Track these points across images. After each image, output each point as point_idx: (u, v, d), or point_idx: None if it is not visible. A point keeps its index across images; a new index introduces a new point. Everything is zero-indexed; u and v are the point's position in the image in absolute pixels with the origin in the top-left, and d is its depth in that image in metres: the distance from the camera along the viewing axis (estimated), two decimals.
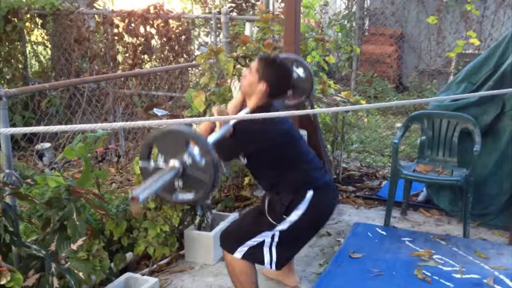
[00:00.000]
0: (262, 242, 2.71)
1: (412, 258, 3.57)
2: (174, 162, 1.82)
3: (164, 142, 1.86)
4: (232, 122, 2.53)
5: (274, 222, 2.67)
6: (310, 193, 2.66)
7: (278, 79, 2.66)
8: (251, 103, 2.69)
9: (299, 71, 3.07)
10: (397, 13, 7.63)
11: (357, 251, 3.67)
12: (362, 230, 4.02)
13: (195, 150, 1.82)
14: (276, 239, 2.70)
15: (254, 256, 2.74)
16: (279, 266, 2.78)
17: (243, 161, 2.74)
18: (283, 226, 2.67)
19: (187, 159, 1.81)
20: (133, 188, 1.73)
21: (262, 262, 2.76)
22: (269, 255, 2.73)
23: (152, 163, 1.88)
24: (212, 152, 1.81)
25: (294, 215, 2.65)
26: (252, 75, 2.65)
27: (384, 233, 3.97)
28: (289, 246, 2.77)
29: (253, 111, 2.66)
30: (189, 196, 1.88)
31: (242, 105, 2.82)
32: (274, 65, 2.68)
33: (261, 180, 2.87)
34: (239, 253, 2.73)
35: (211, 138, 2.34)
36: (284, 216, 2.66)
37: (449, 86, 4.44)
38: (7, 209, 2.47)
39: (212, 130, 2.57)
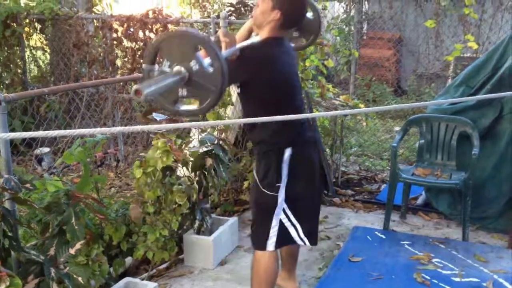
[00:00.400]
0: (282, 224, 2.70)
1: (411, 261, 3.57)
2: (180, 68, 1.73)
3: (171, 46, 1.75)
4: (239, 45, 2.46)
5: (272, 193, 2.65)
6: (288, 152, 2.63)
7: (292, 7, 2.54)
8: (263, 33, 2.59)
9: (308, 13, 2.93)
10: (395, 17, 7.64)
11: (356, 255, 3.67)
12: (362, 233, 4.02)
13: (203, 56, 1.73)
14: (288, 212, 2.69)
15: (284, 240, 2.72)
16: (310, 237, 2.79)
17: (237, 89, 2.65)
18: (282, 193, 2.65)
19: (194, 65, 1.72)
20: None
21: (293, 241, 2.75)
22: (294, 230, 2.72)
23: (156, 67, 1.79)
24: (222, 59, 1.72)
25: (284, 178, 2.64)
26: (264, 2, 2.55)
27: (383, 236, 3.97)
28: (300, 207, 2.74)
29: (266, 39, 2.57)
30: (192, 107, 1.80)
31: (249, 35, 2.74)
32: None
33: (246, 117, 2.75)
34: (271, 246, 2.71)
35: None
36: (277, 185, 2.64)
37: (448, 89, 4.46)
38: (6, 214, 2.47)
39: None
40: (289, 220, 2.71)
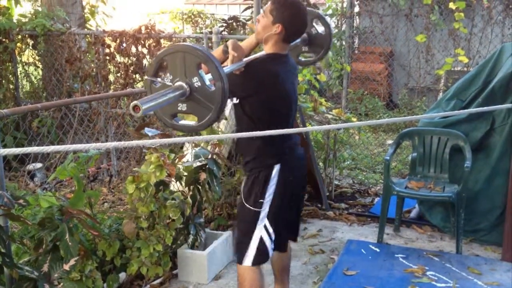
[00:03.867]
0: (262, 241, 2.68)
1: (406, 274, 3.57)
2: (182, 83, 1.74)
3: (176, 60, 1.76)
4: (245, 60, 2.46)
5: (255, 209, 2.65)
6: (276, 169, 2.63)
7: (293, 20, 2.55)
8: (267, 48, 2.61)
9: (319, 27, 2.98)
10: (386, 32, 7.71)
11: (351, 268, 3.66)
12: (356, 247, 4.02)
13: (205, 70, 1.73)
14: (269, 228, 2.68)
15: (261, 258, 2.71)
16: (281, 247, 2.83)
17: (235, 100, 2.62)
18: (265, 208, 2.65)
19: (196, 81, 1.73)
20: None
21: (268, 255, 2.73)
22: (270, 242, 2.71)
23: (159, 80, 1.79)
24: (224, 78, 1.72)
25: (269, 195, 2.63)
26: (266, 17, 2.56)
27: (377, 250, 3.97)
28: (279, 223, 2.73)
29: (270, 55, 2.59)
30: (191, 123, 1.80)
31: (254, 47, 2.75)
32: (289, 4, 2.56)
33: (240, 131, 2.75)
34: (248, 258, 2.69)
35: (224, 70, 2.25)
36: (261, 200, 2.64)
37: (439, 103, 4.49)
38: None
39: (222, 63, 2.42)
40: (269, 237, 2.69)
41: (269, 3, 2.59)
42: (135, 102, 1.55)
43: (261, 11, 2.63)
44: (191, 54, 1.75)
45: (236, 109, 2.71)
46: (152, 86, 1.80)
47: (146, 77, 1.82)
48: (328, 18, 3.01)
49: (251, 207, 2.66)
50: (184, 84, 1.74)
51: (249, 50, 2.77)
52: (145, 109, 1.57)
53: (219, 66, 1.76)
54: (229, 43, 2.47)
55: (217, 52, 2.60)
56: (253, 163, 2.68)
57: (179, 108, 1.78)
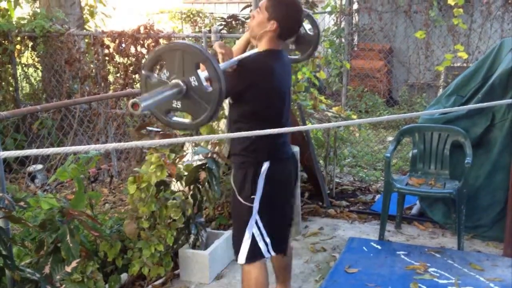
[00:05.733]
0: (254, 239, 2.68)
1: (408, 271, 3.57)
2: (179, 81, 1.74)
3: (174, 58, 1.75)
4: (237, 57, 2.47)
5: (247, 204, 2.65)
6: (265, 165, 2.62)
7: (288, 17, 2.56)
8: (261, 45, 2.60)
9: (307, 27, 2.97)
10: (385, 29, 7.69)
11: (352, 266, 3.66)
12: (357, 244, 4.02)
13: (204, 72, 1.73)
14: (260, 223, 2.68)
15: (254, 253, 2.71)
16: (279, 250, 2.80)
17: (229, 101, 2.64)
18: (256, 204, 2.64)
19: (193, 80, 1.73)
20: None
21: (261, 254, 2.73)
22: (264, 245, 2.71)
23: (155, 75, 1.79)
24: (222, 80, 1.72)
25: (259, 190, 2.63)
26: (261, 13, 2.56)
27: (379, 247, 3.97)
28: (273, 220, 2.73)
29: (264, 51, 2.58)
30: (185, 120, 1.80)
31: (246, 47, 2.75)
32: (284, 2, 2.57)
33: (233, 127, 2.72)
34: (242, 255, 2.71)
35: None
36: (252, 196, 2.63)
37: (439, 99, 4.49)
38: (0, 232, 2.45)
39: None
40: (261, 234, 2.69)
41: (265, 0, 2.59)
42: (133, 99, 1.55)
43: (261, 4, 2.60)
44: (190, 53, 1.74)
45: (231, 109, 2.71)
46: (147, 81, 1.80)
47: (143, 71, 1.81)
48: (317, 21, 3.00)
49: (243, 202, 2.66)
50: (181, 82, 1.73)
51: (244, 46, 2.78)
52: (144, 107, 1.56)
53: (218, 67, 1.75)
54: (215, 44, 2.49)
55: None
56: (243, 157, 2.67)
57: (173, 105, 1.77)
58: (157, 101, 1.65)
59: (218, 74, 1.73)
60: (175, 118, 1.80)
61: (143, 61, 5.52)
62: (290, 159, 2.84)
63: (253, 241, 2.69)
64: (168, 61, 1.77)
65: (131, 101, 1.56)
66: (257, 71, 2.52)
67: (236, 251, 2.75)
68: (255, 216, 2.67)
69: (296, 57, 3.06)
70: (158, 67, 1.85)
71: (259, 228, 2.69)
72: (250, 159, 2.66)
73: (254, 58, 2.56)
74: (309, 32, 2.97)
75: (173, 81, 1.74)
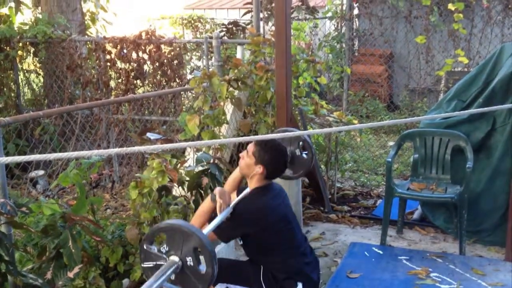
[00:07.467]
0: None
1: (409, 276, 3.57)
2: (176, 258, 1.87)
3: (174, 235, 1.90)
4: (232, 204, 2.62)
5: None
6: (300, 286, 2.70)
7: (274, 162, 2.74)
8: (251, 184, 2.78)
9: (303, 151, 3.19)
10: (386, 34, 7.70)
11: (354, 271, 3.66)
12: (359, 249, 4.02)
13: (200, 256, 1.86)
14: None
15: None
16: None
17: (239, 242, 2.80)
18: None
19: (189, 260, 1.86)
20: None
21: None
22: None
23: (155, 248, 1.93)
24: (215, 265, 1.85)
25: None
26: (249, 157, 2.74)
27: (380, 252, 3.97)
28: None
29: (253, 191, 2.74)
30: None
31: (240, 181, 2.95)
32: (270, 149, 2.74)
33: (255, 260, 2.85)
34: (219, 286, 2.77)
35: (213, 224, 2.42)
36: None
37: (440, 104, 4.49)
38: (2, 238, 2.45)
39: (212, 211, 2.67)
40: None
41: (252, 143, 2.77)
42: None
43: (249, 148, 2.76)
44: (191, 237, 1.88)
45: (244, 246, 2.84)
46: (147, 254, 1.94)
47: (144, 245, 1.95)
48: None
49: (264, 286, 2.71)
50: (177, 260, 1.88)
51: (236, 184, 2.98)
52: None
53: (212, 252, 1.88)
54: (216, 191, 2.65)
55: (206, 201, 2.78)
56: (274, 273, 2.73)
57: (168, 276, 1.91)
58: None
59: (212, 259, 1.86)
60: (169, 285, 1.92)
61: (147, 70, 5.54)
62: (317, 285, 2.86)
63: None
64: (169, 236, 1.91)
65: None
66: (251, 215, 2.67)
67: (221, 277, 2.68)
68: None
69: (288, 175, 3.22)
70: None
71: None
72: (278, 278, 2.72)
73: (246, 202, 2.70)
74: (303, 155, 3.18)
75: (171, 258, 1.89)
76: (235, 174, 3.02)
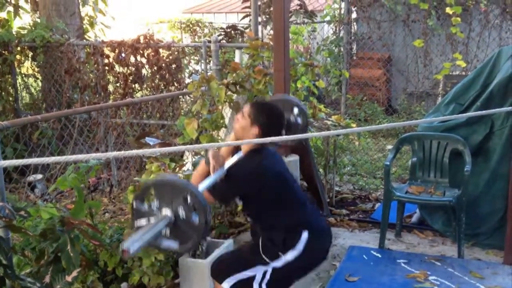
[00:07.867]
0: (253, 277, 2.68)
1: (408, 280, 3.57)
2: (167, 211, 1.87)
3: (163, 189, 1.90)
4: (226, 166, 2.58)
5: (268, 260, 2.66)
6: (305, 235, 2.63)
7: (270, 123, 2.68)
8: (245, 146, 2.72)
9: (298, 117, 3.15)
10: (384, 37, 7.74)
11: (353, 275, 3.66)
12: (357, 253, 4.01)
13: (192, 205, 1.86)
14: (267, 276, 2.67)
15: (242, 286, 2.70)
16: None
17: (238, 202, 2.77)
18: (277, 264, 2.65)
19: (181, 212, 1.86)
20: (124, 241, 1.77)
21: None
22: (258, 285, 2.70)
23: (145, 206, 1.91)
24: (208, 213, 1.85)
25: (290, 255, 2.62)
26: (244, 119, 2.68)
27: (379, 255, 3.97)
28: (279, 284, 2.74)
29: (247, 154, 2.69)
30: (174, 244, 1.93)
31: (236, 147, 2.85)
32: (266, 109, 2.71)
33: (255, 221, 2.83)
34: (227, 283, 2.70)
35: (206, 183, 2.38)
36: (280, 254, 2.63)
37: (438, 107, 4.50)
38: (0, 242, 2.45)
39: (207, 174, 2.59)
40: (261, 282, 2.67)
41: (247, 105, 2.72)
42: (124, 245, 1.69)
43: (244, 109, 2.70)
44: (179, 188, 1.89)
45: (244, 208, 2.82)
46: (138, 212, 1.93)
47: (134, 203, 1.94)
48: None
49: (264, 258, 2.66)
50: (169, 213, 1.87)
51: (232, 149, 2.89)
52: (134, 252, 1.72)
53: (203, 200, 1.88)
54: (209, 153, 2.61)
55: (200, 165, 2.71)
56: (275, 228, 2.68)
57: (162, 232, 1.90)
58: (145, 240, 1.79)
59: (204, 207, 1.86)
60: (165, 242, 1.92)
61: (145, 74, 5.55)
62: (326, 232, 2.81)
63: (249, 281, 2.69)
64: (158, 191, 1.91)
65: (121, 248, 1.70)
66: (246, 177, 2.62)
67: (224, 274, 2.72)
68: (269, 268, 2.66)
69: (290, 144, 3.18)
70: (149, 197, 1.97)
71: (263, 277, 2.68)
72: (279, 232, 2.66)
73: (241, 165, 2.64)
74: (298, 123, 3.14)
75: (163, 212, 1.88)
76: (231, 137, 2.92)
